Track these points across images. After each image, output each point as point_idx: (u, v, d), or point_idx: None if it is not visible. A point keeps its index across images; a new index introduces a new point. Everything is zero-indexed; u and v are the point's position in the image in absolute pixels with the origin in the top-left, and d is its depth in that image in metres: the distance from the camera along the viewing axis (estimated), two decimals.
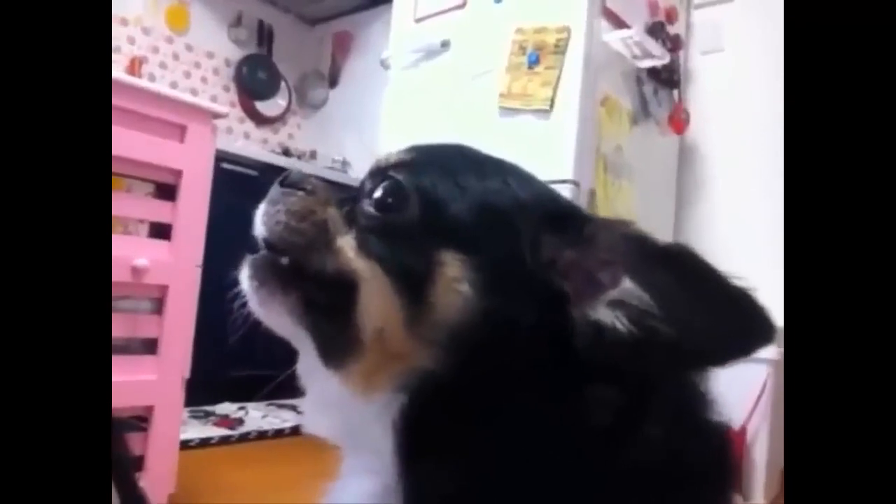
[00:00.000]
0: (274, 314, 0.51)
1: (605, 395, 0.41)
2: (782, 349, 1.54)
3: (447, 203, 0.47)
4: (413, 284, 0.45)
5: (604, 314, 0.41)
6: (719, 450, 0.46)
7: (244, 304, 0.52)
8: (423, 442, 0.44)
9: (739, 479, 1.81)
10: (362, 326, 0.46)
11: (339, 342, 0.47)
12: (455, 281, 0.44)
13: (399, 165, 0.50)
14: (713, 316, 0.39)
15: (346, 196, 0.53)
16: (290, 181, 0.54)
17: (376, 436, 0.45)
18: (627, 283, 0.41)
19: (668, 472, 0.42)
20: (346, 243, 0.49)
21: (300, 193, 0.53)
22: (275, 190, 0.53)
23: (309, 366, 0.51)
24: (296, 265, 0.50)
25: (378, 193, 0.49)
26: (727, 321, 0.39)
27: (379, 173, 0.51)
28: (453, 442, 0.43)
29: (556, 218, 0.47)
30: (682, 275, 0.40)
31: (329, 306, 0.48)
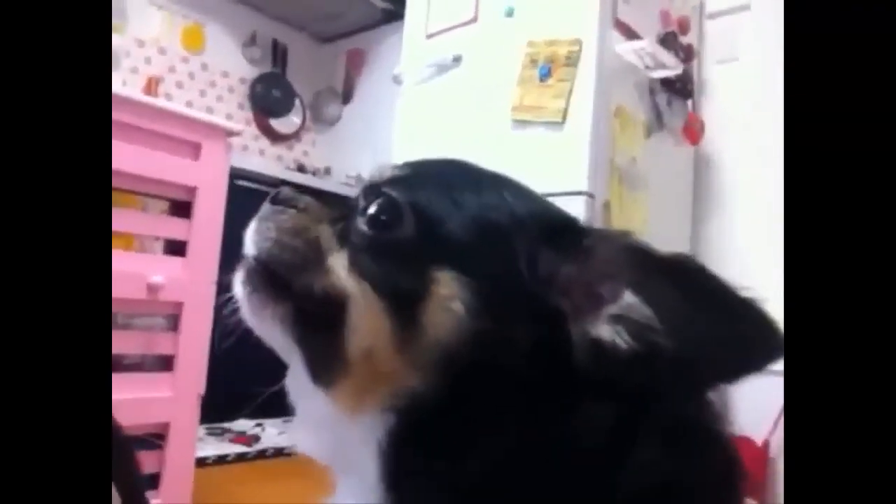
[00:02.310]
0: (265, 323, 0.50)
1: (598, 415, 0.40)
2: None
3: (442, 220, 0.46)
4: (405, 305, 0.44)
5: (604, 330, 0.40)
6: (723, 466, 0.44)
7: (234, 312, 0.51)
8: (410, 465, 0.43)
9: (758, 492, 1.78)
10: (350, 345, 0.45)
11: (327, 359, 0.46)
12: (448, 300, 0.43)
13: (393, 181, 0.49)
14: (719, 330, 0.38)
15: (339, 214, 0.52)
16: (282, 198, 0.53)
17: (363, 457, 0.44)
18: (629, 297, 0.40)
19: (665, 497, 0.40)
20: (338, 262, 0.48)
21: (291, 211, 0.52)
22: (266, 207, 0.53)
23: (298, 381, 0.50)
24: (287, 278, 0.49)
25: (371, 210, 0.48)
26: (734, 335, 0.38)
27: (373, 190, 0.49)
28: (441, 465, 0.42)
29: (554, 232, 0.46)
30: (685, 287, 0.39)
31: (319, 321, 0.47)
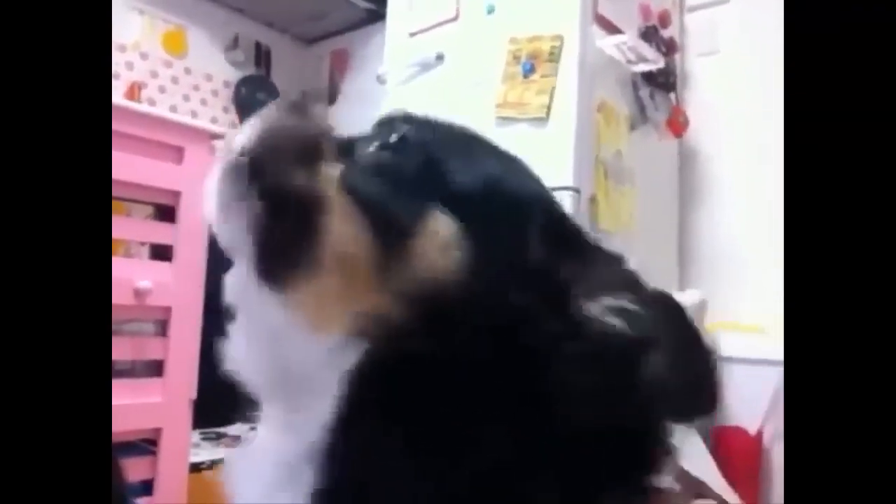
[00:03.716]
0: (230, 222, 0.46)
1: (580, 382, 0.40)
2: None
3: (454, 166, 0.45)
4: (391, 231, 0.42)
5: (600, 312, 0.40)
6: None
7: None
8: (375, 397, 0.40)
9: (752, 481, 1.79)
10: (321, 247, 0.42)
11: (287, 257, 0.43)
12: (442, 240, 0.42)
13: (410, 119, 0.48)
14: (687, 372, 0.39)
15: (349, 142, 0.50)
16: (293, 101, 0.52)
17: (322, 382, 0.40)
18: (624, 296, 0.41)
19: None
20: (332, 170, 0.46)
21: (302, 113, 0.51)
22: (278, 102, 0.51)
23: (246, 284, 0.45)
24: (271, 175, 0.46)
25: (379, 138, 0.47)
26: (684, 379, 0.39)
27: (387, 122, 0.48)
28: (408, 409, 0.40)
29: (563, 230, 0.46)
30: (666, 326, 0.39)
31: (290, 217, 0.44)
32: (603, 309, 0.40)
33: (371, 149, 0.47)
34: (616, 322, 0.39)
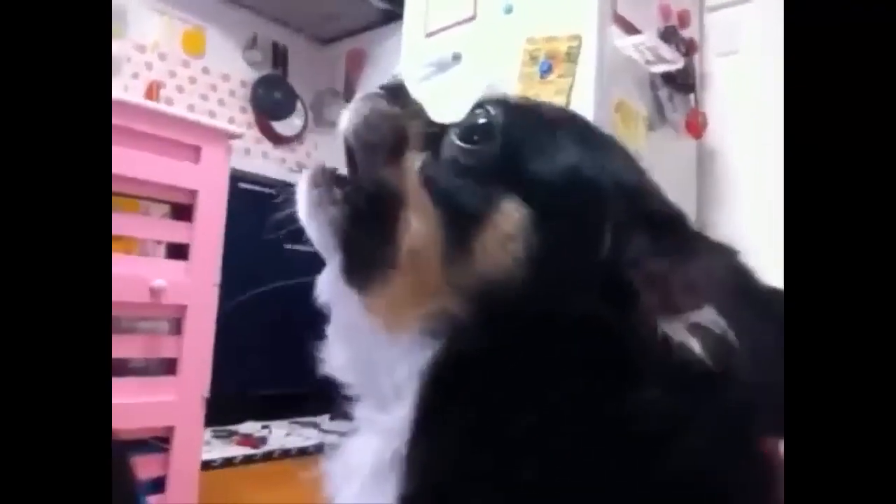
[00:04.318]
0: (317, 221, 0.49)
1: (654, 400, 0.37)
2: None
3: (533, 153, 0.44)
4: (462, 223, 0.42)
5: (677, 332, 0.37)
6: (763, 474, 0.40)
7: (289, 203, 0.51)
8: (449, 402, 0.40)
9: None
10: (397, 246, 0.43)
11: (368, 259, 0.45)
12: (506, 234, 0.41)
13: (501, 103, 0.47)
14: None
15: (441, 125, 0.51)
16: (390, 86, 0.52)
17: (398, 379, 0.41)
18: (711, 313, 0.37)
19: (703, 491, 0.37)
20: (412, 160, 0.47)
21: (394, 101, 0.51)
22: (373, 91, 0.52)
23: (336, 287, 0.48)
24: (354, 172, 0.48)
25: (466, 123, 0.47)
26: None
27: (479, 105, 0.48)
28: (481, 418, 0.39)
29: (658, 220, 0.42)
30: (776, 326, 0.35)
31: (371, 219, 0.46)
32: (683, 328, 0.37)
33: (454, 136, 0.46)
34: (696, 347, 0.36)
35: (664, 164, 2.05)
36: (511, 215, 0.41)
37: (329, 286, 0.49)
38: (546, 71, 1.86)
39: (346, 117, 0.51)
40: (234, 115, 3.45)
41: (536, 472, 0.37)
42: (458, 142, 0.46)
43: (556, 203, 0.42)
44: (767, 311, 0.37)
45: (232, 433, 2.40)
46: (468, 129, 0.46)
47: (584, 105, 1.78)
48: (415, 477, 0.39)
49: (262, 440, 2.35)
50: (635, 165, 0.48)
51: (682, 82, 2.15)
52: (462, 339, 0.40)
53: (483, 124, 0.46)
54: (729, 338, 0.36)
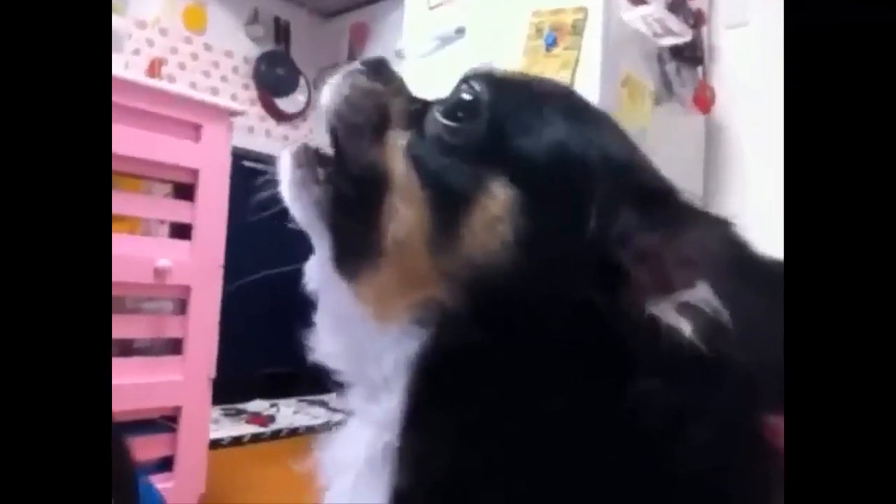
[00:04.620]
0: (302, 203, 0.47)
1: (653, 391, 0.35)
2: None
3: (519, 130, 0.42)
4: (449, 205, 0.40)
5: (668, 314, 0.35)
6: (767, 463, 0.38)
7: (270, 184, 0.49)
8: (439, 393, 0.39)
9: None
10: (384, 234, 0.42)
11: (356, 246, 0.43)
12: (493, 216, 0.39)
13: (487, 78, 0.45)
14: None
15: (424, 101, 0.49)
16: (372, 62, 0.51)
17: (387, 369, 0.40)
18: (705, 291, 0.35)
19: (708, 483, 0.35)
20: (397, 139, 0.45)
21: (375, 77, 0.49)
22: (353, 66, 0.51)
23: (324, 273, 0.47)
24: (338, 152, 0.47)
25: (451, 100, 0.45)
26: None
27: (464, 80, 0.46)
28: (472, 405, 0.38)
29: (648, 193, 0.40)
30: (776, 299, 0.33)
31: (357, 203, 0.44)
32: (672, 308, 0.35)
33: (438, 114, 0.44)
34: (687, 328, 0.34)
35: (672, 139, 2.03)
36: (498, 197, 0.40)
37: (317, 272, 0.48)
38: (551, 44, 1.83)
39: (327, 95, 0.49)
40: (237, 92, 3.42)
41: (533, 467, 0.36)
42: (442, 119, 0.44)
43: (543, 182, 0.40)
44: (765, 282, 0.35)
45: (241, 412, 2.42)
46: (453, 106, 0.44)
47: (590, 79, 1.75)
48: (408, 470, 0.38)
49: (271, 418, 2.37)
50: (626, 140, 0.46)
51: (690, 55, 2.11)
52: (451, 329, 0.39)
53: (468, 101, 0.44)
54: (722, 318, 0.34)
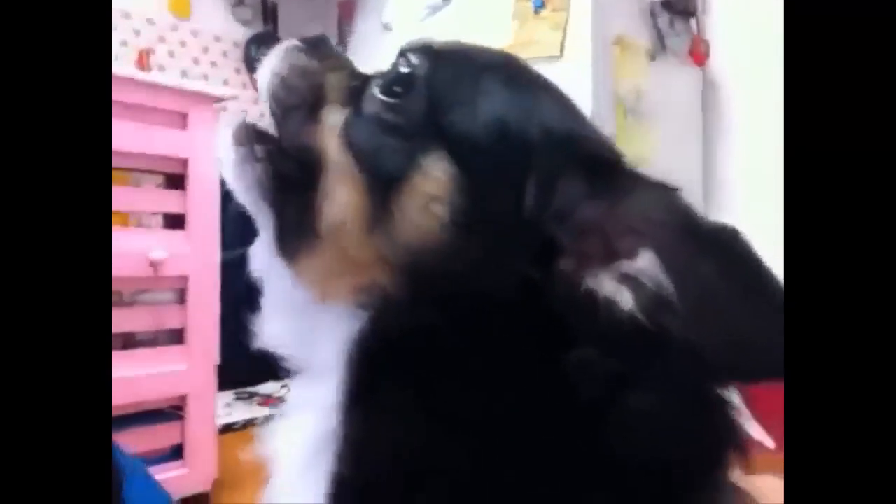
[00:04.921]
0: (244, 182, 0.46)
1: (592, 362, 0.34)
2: None
3: (456, 104, 0.41)
4: (384, 186, 0.39)
5: (606, 285, 0.34)
6: (722, 428, 0.37)
7: None
8: (378, 378, 0.38)
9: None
10: (322, 216, 0.41)
11: (296, 227, 0.42)
12: (430, 200, 0.38)
13: (425, 51, 0.44)
14: (747, 324, 0.32)
15: (365, 77, 0.47)
16: (310, 38, 0.49)
17: (328, 353, 0.39)
18: (648, 260, 0.33)
19: (650, 450, 0.34)
20: (332, 117, 0.44)
21: (312, 54, 0.48)
22: (290, 43, 0.49)
23: (267, 255, 0.46)
24: (277, 129, 0.46)
25: (388, 75, 0.43)
26: (764, 333, 0.32)
27: (401, 53, 0.44)
28: (411, 390, 0.37)
29: (588, 161, 0.39)
30: (727, 269, 0.32)
31: (295, 183, 0.43)
32: (613, 280, 0.34)
33: (375, 89, 0.43)
34: (627, 301, 0.33)
35: (668, 95, 1.99)
36: (434, 176, 0.38)
37: (261, 255, 0.47)
38: (540, 6, 1.79)
39: (263, 74, 0.47)
40: (229, 77, 3.38)
41: (475, 450, 0.36)
42: (379, 95, 0.42)
43: (480, 159, 0.39)
44: (712, 248, 0.34)
45: (253, 395, 2.44)
46: (390, 81, 0.43)
47: (581, 40, 1.71)
48: (349, 456, 0.38)
49: (282, 400, 2.38)
50: (569, 109, 0.44)
51: (683, 8, 2.07)
52: (392, 312, 0.38)
53: (405, 74, 0.42)
54: (664, 288, 0.32)
